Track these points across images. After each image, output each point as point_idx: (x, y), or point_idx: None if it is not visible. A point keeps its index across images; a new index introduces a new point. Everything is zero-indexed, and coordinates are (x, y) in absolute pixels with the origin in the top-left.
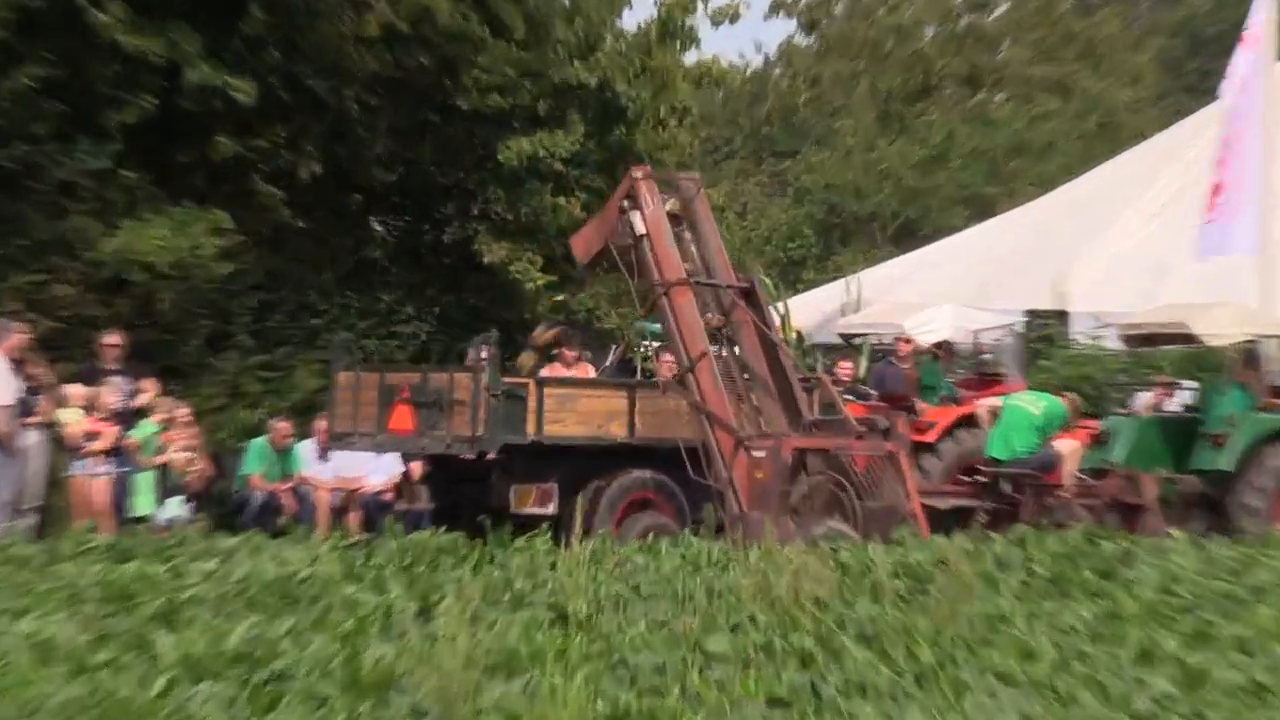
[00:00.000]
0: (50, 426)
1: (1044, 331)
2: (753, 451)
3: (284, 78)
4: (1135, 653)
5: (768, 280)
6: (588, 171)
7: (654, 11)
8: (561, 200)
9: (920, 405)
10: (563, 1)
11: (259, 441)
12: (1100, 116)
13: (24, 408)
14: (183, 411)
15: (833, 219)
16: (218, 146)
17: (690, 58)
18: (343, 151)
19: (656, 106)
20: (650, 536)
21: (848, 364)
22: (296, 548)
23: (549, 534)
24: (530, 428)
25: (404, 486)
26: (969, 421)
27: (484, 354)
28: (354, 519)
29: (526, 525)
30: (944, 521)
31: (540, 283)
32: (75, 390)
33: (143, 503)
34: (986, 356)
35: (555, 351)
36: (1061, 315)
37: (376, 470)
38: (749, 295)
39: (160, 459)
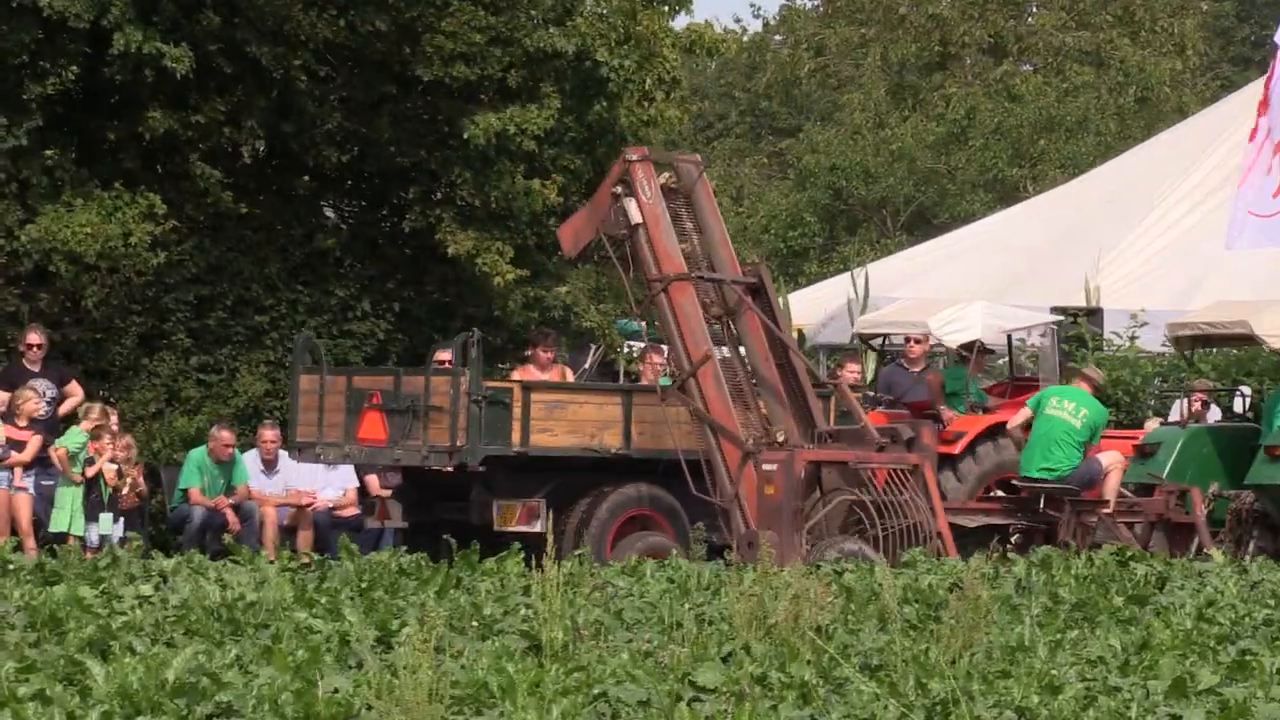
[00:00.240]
0: None
1: (1073, 331)
2: (762, 465)
3: (224, 45)
4: (1169, 686)
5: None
6: (564, 151)
7: None
8: (535, 184)
9: (947, 414)
10: None
11: (198, 452)
12: (1139, 90)
13: None
14: (113, 419)
15: (838, 205)
16: (149, 122)
17: (680, 23)
18: (290, 128)
19: (642, 78)
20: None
21: (855, 366)
22: (241, 569)
23: (520, 554)
24: (516, 437)
25: (375, 503)
26: (1000, 432)
27: (449, 356)
28: (305, 538)
29: (501, 544)
30: (972, 541)
31: (510, 276)
32: None
33: (68, 519)
34: (1029, 356)
35: (528, 353)
36: (1092, 313)
37: (329, 484)
38: (756, 291)
39: (90, 471)
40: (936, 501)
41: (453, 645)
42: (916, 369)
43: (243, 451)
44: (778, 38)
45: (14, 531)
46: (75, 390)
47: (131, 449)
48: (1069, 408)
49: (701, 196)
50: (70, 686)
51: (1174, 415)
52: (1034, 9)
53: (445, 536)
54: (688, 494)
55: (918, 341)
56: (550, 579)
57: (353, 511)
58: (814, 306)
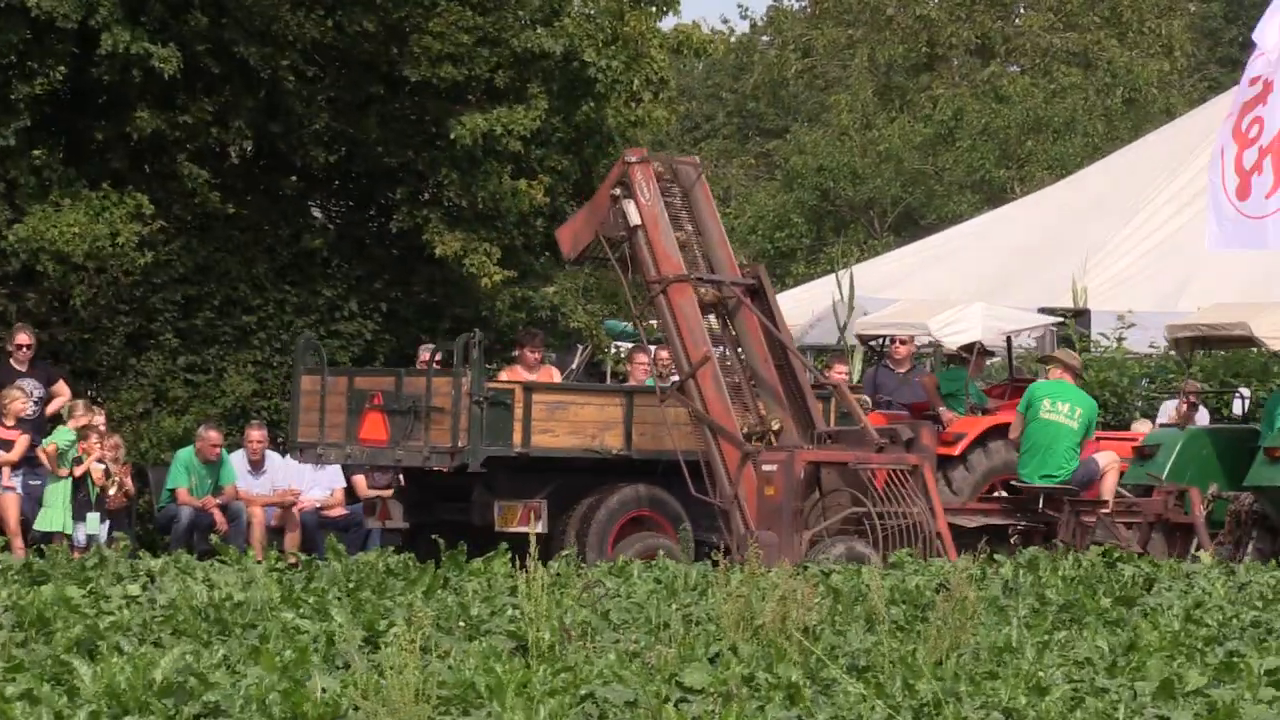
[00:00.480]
0: None
1: (1060, 333)
2: (762, 465)
3: (211, 45)
4: (1156, 687)
5: None
6: (551, 152)
7: None
8: (522, 184)
9: (947, 415)
10: None
11: (185, 452)
12: (1126, 92)
13: None
14: (101, 419)
15: (826, 206)
16: (137, 122)
17: (667, 23)
18: (277, 129)
19: (629, 78)
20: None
21: (843, 368)
22: (229, 570)
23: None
24: (517, 438)
25: (375, 503)
26: (999, 433)
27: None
28: (292, 538)
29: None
30: (972, 541)
31: (498, 277)
32: None
33: (56, 518)
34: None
35: (515, 353)
36: (1080, 315)
37: (316, 484)
38: (755, 292)
39: (77, 470)
40: (936, 502)
41: (440, 645)
42: (902, 370)
43: (230, 452)
44: (765, 38)
45: (1, 531)
46: (62, 390)
47: (119, 449)
48: (1064, 410)
49: (700, 198)
50: (58, 686)
51: (1162, 417)
52: (1021, 10)
53: (434, 537)
54: (688, 495)
55: (903, 343)
56: (537, 579)
57: (340, 512)
58: (801, 307)
